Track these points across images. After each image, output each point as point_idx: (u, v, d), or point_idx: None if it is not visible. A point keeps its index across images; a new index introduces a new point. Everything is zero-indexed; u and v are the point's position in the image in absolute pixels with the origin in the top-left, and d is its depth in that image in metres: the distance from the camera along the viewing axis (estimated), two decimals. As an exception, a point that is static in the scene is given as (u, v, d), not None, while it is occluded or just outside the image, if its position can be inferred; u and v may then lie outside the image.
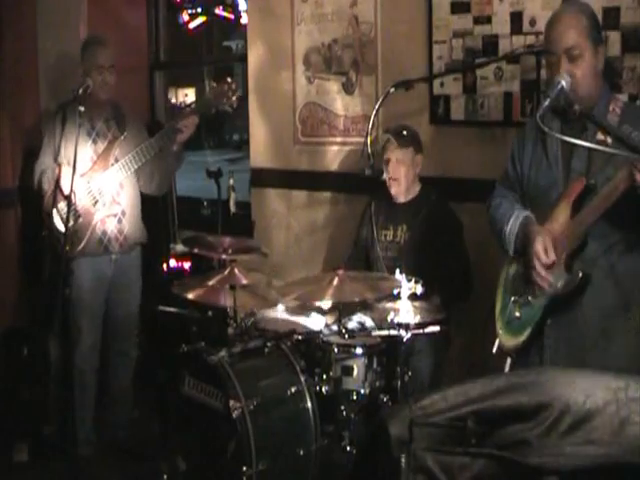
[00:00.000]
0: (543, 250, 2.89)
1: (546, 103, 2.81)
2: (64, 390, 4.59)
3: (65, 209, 4.22)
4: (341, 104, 4.97)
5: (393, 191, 4.13)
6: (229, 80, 4.34)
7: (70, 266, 4.41)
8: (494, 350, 3.13)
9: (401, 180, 4.10)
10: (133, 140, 4.54)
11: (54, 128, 4.50)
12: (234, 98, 4.32)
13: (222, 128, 17.40)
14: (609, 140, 2.80)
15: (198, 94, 5.02)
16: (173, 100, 18.60)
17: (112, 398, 4.77)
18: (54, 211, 4.43)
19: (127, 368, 4.77)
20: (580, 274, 2.87)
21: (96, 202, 4.47)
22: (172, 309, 4.55)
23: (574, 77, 2.86)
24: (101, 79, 4.48)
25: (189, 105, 4.38)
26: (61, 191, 4.40)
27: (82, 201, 4.43)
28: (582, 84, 2.88)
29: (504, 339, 3.11)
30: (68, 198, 4.17)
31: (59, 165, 4.43)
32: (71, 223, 4.18)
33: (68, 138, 4.38)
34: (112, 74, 4.55)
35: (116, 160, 4.45)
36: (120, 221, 4.55)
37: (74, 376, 4.58)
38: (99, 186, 4.48)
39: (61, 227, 4.38)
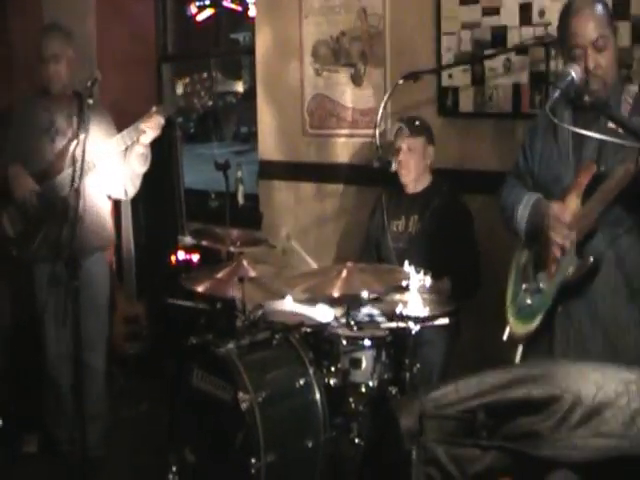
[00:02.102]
0: (560, 210, 2.93)
1: (556, 94, 2.81)
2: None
3: (14, 212, 4.04)
4: (349, 96, 4.95)
5: (402, 180, 4.11)
6: (204, 76, 4.19)
7: (27, 271, 4.16)
8: (505, 338, 3.14)
9: (411, 169, 4.08)
10: (96, 138, 4.10)
11: (12, 124, 4.22)
12: (206, 97, 4.19)
13: (231, 122, 17.46)
14: (620, 130, 2.80)
15: (168, 93, 4.96)
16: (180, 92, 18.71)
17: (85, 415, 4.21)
18: (4, 214, 4.16)
19: (95, 383, 4.27)
20: (591, 259, 2.88)
21: (50, 204, 4.09)
22: (180, 301, 4.52)
23: (600, 67, 2.88)
24: (52, 70, 4.16)
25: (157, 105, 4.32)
26: (12, 193, 4.10)
27: (35, 203, 4.09)
28: (608, 73, 2.90)
29: (515, 327, 3.12)
30: (22, 200, 3.96)
31: (12, 164, 4.13)
32: (24, 225, 4.00)
33: (23, 134, 4.14)
34: (63, 64, 4.19)
35: (75, 160, 3.91)
36: (77, 224, 3.94)
37: (47, 387, 4.33)
38: (55, 187, 4.10)
39: (10, 231, 4.14)
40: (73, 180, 3.81)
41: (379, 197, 4.26)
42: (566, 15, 3.00)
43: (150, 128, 4.04)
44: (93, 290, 4.24)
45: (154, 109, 4.02)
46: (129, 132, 4.06)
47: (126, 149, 4.12)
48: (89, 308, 4.11)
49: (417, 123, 4.11)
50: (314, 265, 4.28)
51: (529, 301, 3.08)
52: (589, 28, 2.89)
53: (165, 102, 4.22)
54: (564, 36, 2.98)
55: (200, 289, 3.71)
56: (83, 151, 3.73)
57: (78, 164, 3.81)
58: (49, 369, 4.30)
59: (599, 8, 2.93)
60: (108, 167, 4.17)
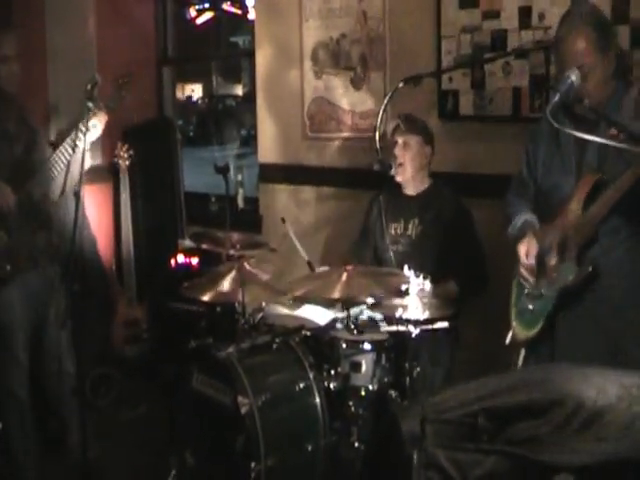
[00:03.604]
0: (524, 253, 3.07)
1: (556, 98, 2.81)
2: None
3: None
4: (349, 99, 4.91)
5: (399, 179, 4.05)
6: (125, 77, 4.06)
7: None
8: (507, 342, 3.17)
9: (406, 166, 4.02)
10: (44, 143, 3.99)
11: None
12: (123, 92, 4.02)
13: (231, 125, 17.37)
14: (621, 135, 2.80)
15: (114, 90, 4.79)
16: (180, 95, 18.50)
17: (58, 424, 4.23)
18: None
19: (66, 386, 4.12)
20: (590, 268, 2.91)
21: (24, 212, 3.94)
22: (180, 305, 4.50)
23: (586, 89, 2.88)
24: (7, 70, 3.95)
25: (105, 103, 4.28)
26: None
27: (16, 212, 3.92)
28: (593, 94, 2.91)
29: (517, 330, 3.15)
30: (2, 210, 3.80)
31: None
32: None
33: None
34: (17, 64, 4.00)
35: (38, 165, 3.86)
36: (47, 231, 3.98)
37: (9, 406, 4.10)
38: (26, 195, 3.93)
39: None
40: (65, 185, 3.81)
41: (376, 197, 4.18)
42: (556, 37, 3.03)
43: (94, 126, 3.87)
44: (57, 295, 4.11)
45: (96, 106, 3.86)
46: (75, 131, 3.81)
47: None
48: (52, 314, 4.06)
49: (414, 121, 4.08)
50: (304, 255, 4.25)
51: (530, 306, 3.12)
52: (573, 55, 2.90)
53: (110, 99, 4.06)
54: (555, 57, 3.04)
55: (202, 296, 3.73)
56: (83, 156, 3.65)
57: (75, 168, 3.76)
58: (15, 388, 4.08)
59: (588, 32, 2.92)
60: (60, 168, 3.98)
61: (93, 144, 3.98)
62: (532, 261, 3.04)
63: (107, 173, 5.78)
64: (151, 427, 4.53)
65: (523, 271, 3.08)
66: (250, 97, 6.12)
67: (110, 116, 3.96)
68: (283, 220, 4.50)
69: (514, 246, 3.13)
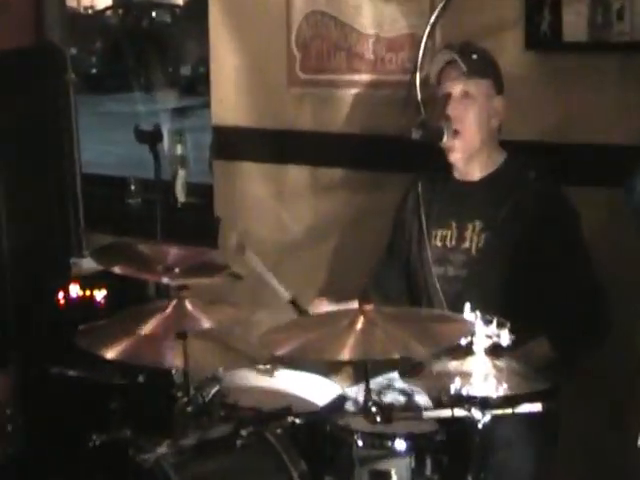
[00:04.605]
0: None
1: None
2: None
3: None
4: (370, 16, 3.95)
5: (453, 156, 3.18)
6: None
7: None
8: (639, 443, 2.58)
9: (468, 133, 3.16)
10: None
11: None
12: None
13: (164, 57, 13.15)
14: None
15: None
16: (74, 4, 13.80)
17: None
18: None
19: None
20: None
21: None
22: (74, 371, 3.68)
23: None
24: None
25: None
26: None
27: None
28: None
29: None
30: None
31: None
32: None
33: None
34: None
35: None
36: None
37: None
38: None
39: None
40: None
41: (412, 186, 3.38)
42: None
43: None
44: None
45: None
46: None
47: None
48: None
49: (477, 55, 3.22)
50: (285, 295, 3.43)
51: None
52: None
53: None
54: None
55: (110, 354, 2.82)
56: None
57: None
58: None
59: None
60: None
61: None
62: None
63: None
64: None
65: None
66: (197, 8, 5.26)
67: None
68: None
69: None
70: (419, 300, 3.32)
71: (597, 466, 3.43)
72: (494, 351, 2.71)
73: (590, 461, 3.52)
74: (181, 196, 4.69)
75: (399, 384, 3.00)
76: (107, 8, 15.91)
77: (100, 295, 4.34)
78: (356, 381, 3.07)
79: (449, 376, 2.70)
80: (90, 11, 16.08)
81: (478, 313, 2.73)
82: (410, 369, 2.89)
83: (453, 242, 3.26)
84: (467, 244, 3.23)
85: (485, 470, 2.71)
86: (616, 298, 3.20)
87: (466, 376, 2.68)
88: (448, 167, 3.27)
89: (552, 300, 3.11)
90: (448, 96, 3.17)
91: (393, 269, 3.47)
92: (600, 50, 3.46)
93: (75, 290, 4.37)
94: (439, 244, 3.27)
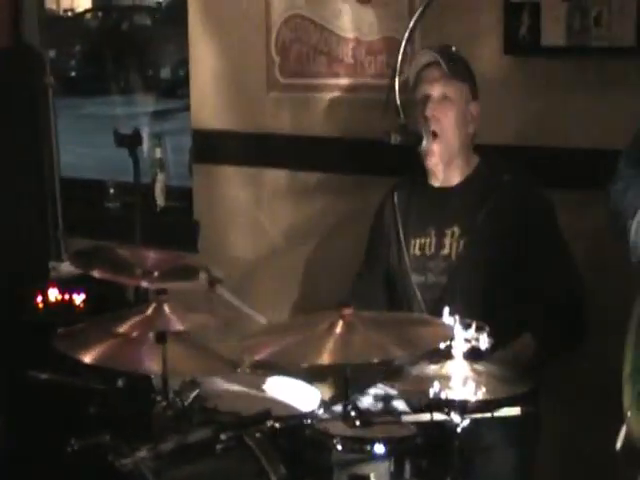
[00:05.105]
0: None
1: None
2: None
3: None
4: (349, 20, 3.99)
5: (431, 161, 3.15)
6: None
7: None
8: (618, 445, 2.51)
9: (446, 136, 3.13)
10: None
11: None
12: None
13: (143, 60, 12.75)
14: None
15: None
16: (53, 7, 13.37)
17: None
18: None
19: None
20: None
21: None
22: (53, 375, 3.48)
23: None
24: None
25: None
26: None
27: None
28: None
29: (636, 426, 2.46)
30: None
31: None
32: None
33: None
34: None
35: None
36: None
37: None
38: None
39: None
40: None
41: (388, 197, 3.36)
42: None
43: None
44: None
45: None
46: None
47: None
48: None
49: (456, 58, 3.22)
50: (262, 321, 3.41)
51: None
52: None
53: None
54: None
55: (88, 358, 2.81)
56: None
57: None
58: None
59: None
60: None
61: None
62: None
63: None
64: None
65: None
66: (176, 11, 5.36)
67: None
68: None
69: None
70: (400, 308, 3.28)
71: (578, 468, 3.44)
72: (470, 354, 2.71)
73: (571, 463, 3.53)
74: (160, 200, 4.70)
75: (378, 390, 2.98)
76: (87, 11, 15.87)
77: (79, 299, 4.35)
78: (337, 389, 3.02)
79: (428, 380, 2.71)
80: (70, 14, 15.96)
81: (457, 317, 2.74)
82: (389, 373, 2.90)
83: (432, 249, 3.24)
84: (446, 250, 3.22)
85: (464, 473, 2.70)
86: (591, 300, 3.18)
87: (445, 380, 2.70)
88: (424, 173, 3.25)
89: (536, 297, 3.08)
90: (427, 97, 3.15)
91: (373, 282, 3.44)
92: (578, 55, 3.48)
93: (54, 294, 4.38)
94: (418, 253, 3.25)
